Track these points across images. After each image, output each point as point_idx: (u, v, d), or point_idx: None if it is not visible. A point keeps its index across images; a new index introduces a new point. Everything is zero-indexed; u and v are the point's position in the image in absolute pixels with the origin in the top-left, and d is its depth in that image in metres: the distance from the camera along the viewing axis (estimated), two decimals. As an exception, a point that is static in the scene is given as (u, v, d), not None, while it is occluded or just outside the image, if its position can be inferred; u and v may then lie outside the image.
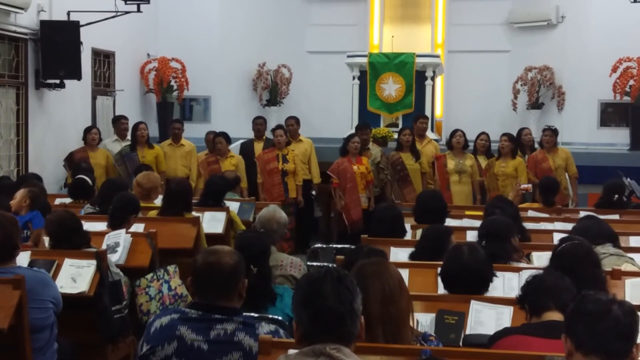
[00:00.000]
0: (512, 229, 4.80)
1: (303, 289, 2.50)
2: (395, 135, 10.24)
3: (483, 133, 9.43)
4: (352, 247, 4.41)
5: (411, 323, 3.04)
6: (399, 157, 9.17)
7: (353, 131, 9.85)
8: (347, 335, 2.43)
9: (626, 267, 4.51)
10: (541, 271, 3.38)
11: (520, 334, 3.07)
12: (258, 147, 9.83)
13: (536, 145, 9.70)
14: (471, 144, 9.54)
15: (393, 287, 2.93)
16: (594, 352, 2.46)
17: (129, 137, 9.89)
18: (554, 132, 9.19)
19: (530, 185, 8.42)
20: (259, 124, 10.19)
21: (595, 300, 2.53)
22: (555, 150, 9.11)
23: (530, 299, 3.21)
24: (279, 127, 9.52)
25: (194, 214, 6.38)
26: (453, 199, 8.71)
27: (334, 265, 4.18)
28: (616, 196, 7.24)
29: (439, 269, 3.92)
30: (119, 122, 10.14)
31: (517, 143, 9.23)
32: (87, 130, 9.47)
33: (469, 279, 3.74)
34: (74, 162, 8.94)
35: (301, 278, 2.62)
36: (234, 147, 10.13)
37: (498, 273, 4.23)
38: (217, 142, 9.33)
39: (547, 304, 3.14)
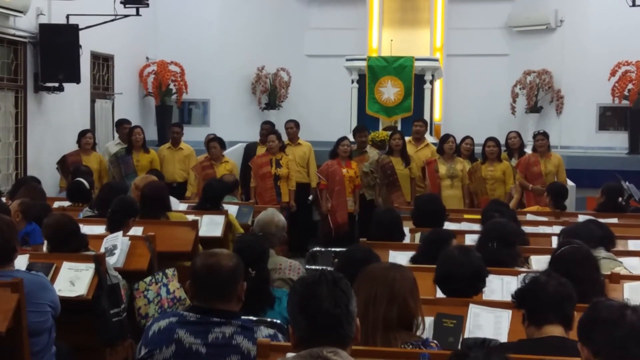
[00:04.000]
0: (519, 234, 4.79)
1: (298, 293, 2.50)
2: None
3: (468, 137, 9.42)
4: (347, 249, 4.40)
5: (418, 330, 3.06)
6: (389, 162, 9.16)
7: (350, 135, 9.87)
8: (344, 338, 2.44)
9: (618, 270, 4.51)
10: (538, 274, 3.33)
11: (518, 353, 3.02)
12: (261, 151, 9.82)
13: (527, 150, 9.65)
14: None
15: (380, 293, 2.99)
16: (613, 358, 2.47)
17: (132, 140, 9.91)
18: (546, 135, 9.15)
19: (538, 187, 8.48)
20: (265, 129, 10.18)
21: (608, 307, 2.55)
22: (548, 155, 9.03)
23: (530, 307, 3.14)
24: (272, 132, 9.53)
25: (192, 217, 6.38)
26: (445, 203, 8.67)
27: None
28: (620, 199, 7.26)
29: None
30: (122, 126, 10.15)
31: (502, 147, 9.23)
32: (82, 135, 9.44)
33: (465, 278, 3.74)
34: (67, 166, 8.92)
35: (296, 282, 2.62)
36: (237, 150, 10.13)
37: (497, 276, 4.23)
38: (211, 146, 9.34)
39: (548, 316, 3.08)
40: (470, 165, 9.11)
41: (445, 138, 9.18)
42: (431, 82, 11.31)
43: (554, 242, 5.43)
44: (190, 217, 6.41)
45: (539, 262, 4.79)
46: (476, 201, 8.85)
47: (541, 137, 9.06)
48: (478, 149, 9.29)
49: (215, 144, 9.32)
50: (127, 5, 10.13)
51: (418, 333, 3.07)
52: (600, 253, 4.63)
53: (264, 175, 9.10)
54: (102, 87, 11.66)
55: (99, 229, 5.69)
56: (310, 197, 9.83)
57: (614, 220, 6.63)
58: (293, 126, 10.01)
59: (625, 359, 2.46)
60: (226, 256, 3.15)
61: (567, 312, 3.10)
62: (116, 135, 10.74)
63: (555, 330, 3.07)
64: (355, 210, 9.05)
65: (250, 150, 10.14)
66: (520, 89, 12.95)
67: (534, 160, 8.94)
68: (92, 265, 4.64)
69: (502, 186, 8.87)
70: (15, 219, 5.62)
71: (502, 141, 9.31)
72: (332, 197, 8.89)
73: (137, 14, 10.29)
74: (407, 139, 9.62)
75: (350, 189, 8.99)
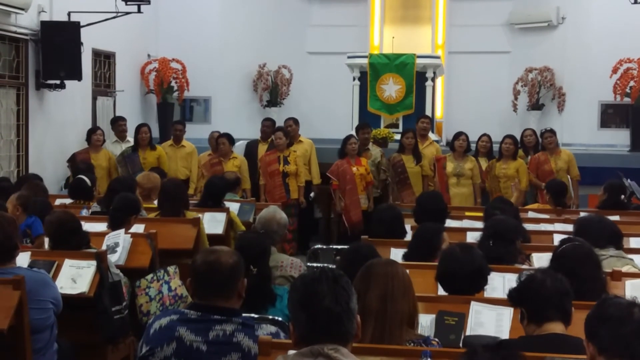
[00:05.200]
0: (518, 231, 4.79)
1: (299, 290, 2.50)
2: (396, 137, 10.24)
3: (485, 135, 9.40)
4: (347, 247, 4.40)
5: (416, 328, 3.06)
6: (400, 160, 9.16)
7: (353, 132, 9.86)
8: (345, 335, 2.44)
9: (628, 269, 4.50)
10: (534, 271, 3.33)
11: (520, 349, 3.03)
12: (263, 148, 9.81)
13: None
14: (472, 145, 9.51)
15: (397, 287, 2.97)
16: (619, 356, 2.47)
17: (128, 137, 9.89)
18: (553, 132, 9.18)
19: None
20: (266, 125, 10.17)
21: (616, 304, 2.55)
22: (558, 152, 9.08)
23: (530, 305, 3.14)
24: (279, 129, 9.51)
25: (195, 214, 6.38)
26: (451, 201, 8.68)
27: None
28: (622, 196, 7.26)
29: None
30: (117, 123, 10.13)
31: (519, 145, 9.22)
32: (92, 132, 9.45)
33: (467, 276, 3.74)
34: (77, 163, 8.93)
35: (296, 279, 2.63)
36: (239, 147, 10.14)
37: (499, 274, 4.23)
38: (220, 142, 9.31)
39: (549, 313, 3.09)
40: (487, 163, 9.08)
41: (457, 135, 9.13)
42: (433, 80, 11.29)
43: (556, 239, 5.42)
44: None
45: (541, 260, 4.79)
46: (491, 199, 8.81)
47: (549, 135, 9.08)
48: (496, 147, 9.25)
49: (224, 140, 9.30)
50: (128, 3, 10.11)
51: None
52: (609, 251, 4.63)
53: (272, 172, 9.10)
54: (104, 85, 11.66)
55: (101, 227, 5.70)
56: (312, 194, 9.83)
57: (616, 218, 6.61)
58: (292, 124, 9.99)
59: (631, 357, 2.46)
60: (226, 253, 3.15)
61: (566, 307, 3.11)
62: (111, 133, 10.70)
63: (557, 327, 3.07)
64: (369, 207, 8.86)
65: (251, 148, 10.14)
66: (521, 86, 12.94)
67: (543, 159, 8.96)
68: (93, 263, 4.65)
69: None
70: (15, 213, 5.64)
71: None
72: (344, 196, 8.85)
73: (139, 11, 10.27)
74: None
75: (362, 186, 8.92)
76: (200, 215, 6.39)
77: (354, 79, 11.40)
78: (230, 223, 6.65)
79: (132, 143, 9.66)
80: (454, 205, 8.29)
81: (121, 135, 9.93)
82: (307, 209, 9.80)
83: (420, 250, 4.60)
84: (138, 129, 9.56)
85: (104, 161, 9.26)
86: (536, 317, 3.10)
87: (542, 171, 8.87)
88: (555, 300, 3.10)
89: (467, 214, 6.99)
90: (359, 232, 8.56)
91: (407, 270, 4.05)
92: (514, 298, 3.22)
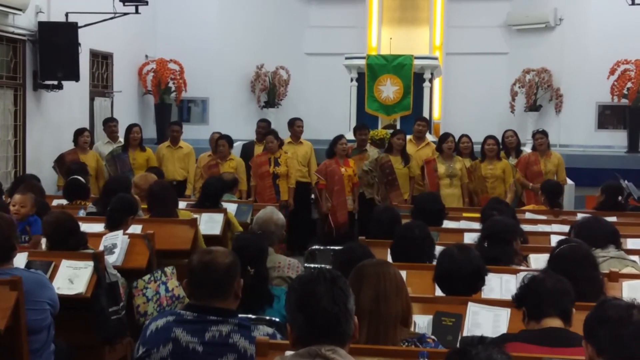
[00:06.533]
0: (516, 231, 4.79)
1: (296, 291, 2.50)
2: (395, 138, 10.24)
3: (464, 135, 9.34)
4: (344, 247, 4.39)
5: (411, 327, 3.06)
6: (388, 160, 9.13)
7: (350, 133, 9.87)
8: (342, 336, 2.44)
9: (629, 271, 4.50)
10: (537, 273, 3.35)
11: (519, 341, 3.05)
12: (258, 149, 9.80)
13: (524, 149, 9.63)
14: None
15: (389, 287, 2.97)
16: (617, 357, 2.48)
17: (120, 139, 9.85)
18: (545, 134, 9.16)
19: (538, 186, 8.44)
20: (261, 127, 10.16)
21: (615, 306, 2.56)
22: (548, 154, 9.05)
23: (530, 303, 3.17)
24: (270, 132, 9.51)
25: (192, 215, 6.38)
26: (443, 202, 8.64)
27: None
28: (620, 197, 7.27)
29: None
30: (107, 124, 10.04)
31: (501, 146, 9.22)
32: (79, 133, 9.34)
33: (465, 276, 3.74)
34: (65, 164, 8.88)
35: (294, 280, 2.62)
36: (236, 148, 10.13)
37: (496, 275, 4.24)
38: (220, 144, 9.29)
39: (547, 310, 3.11)
40: (470, 163, 9.09)
41: (445, 137, 9.14)
42: (430, 81, 11.32)
43: (553, 240, 5.42)
44: (189, 216, 6.41)
45: (538, 261, 4.80)
46: (476, 199, 8.82)
47: (540, 136, 9.07)
48: (477, 147, 9.27)
49: (223, 142, 9.27)
50: (126, 3, 10.12)
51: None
52: (609, 252, 4.63)
53: (262, 174, 9.10)
54: (101, 85, 11.66)
55: (98, 227, 5.69)
56: (313, 196, 9.84)
57: (614, 219, 6.61)
58: (302, 124, 10.02)
59: (630, 358, 2.47)
60: (222, 253, 3.15)
61: (565, 306, 3.13)
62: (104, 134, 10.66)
63: (555, 323, 3.09)
64: (354, 208, 9.03)
65: (247, 149, 10.14)
66: (519, 87, 12.96)
67: (533, 159, 8.96)
68: (90, 264, 4.64)
69: (502, 184, 8.84)
70: (30, 213, 5.72)
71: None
72: (331, 197, 8.87)
73: (136, 12, 10.28)
74: (407, 137, 9.60)
75: (349, 187, 8.97)
76: (197, 216, 6.38)
77: (351, 80, 11.42)
78: (227, 224, 6.64)
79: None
80: (447, 207, 8.29)
81: (112, 136, 9.87)
82: (305, 210, 9.80)
83: (404, 250, 4.58)
84: (129, 128, 9.50)
85: (92, 162, 9.17)
86: (535, 314, 3.12)
87: (530, 172, 8.88)
88: (554, 299, 3.12)
89: (464, 215, 6.99)
90: (345, 232, 8.63)
91: (405, 272, 4.07)
92: (517, 299, 3.24)
